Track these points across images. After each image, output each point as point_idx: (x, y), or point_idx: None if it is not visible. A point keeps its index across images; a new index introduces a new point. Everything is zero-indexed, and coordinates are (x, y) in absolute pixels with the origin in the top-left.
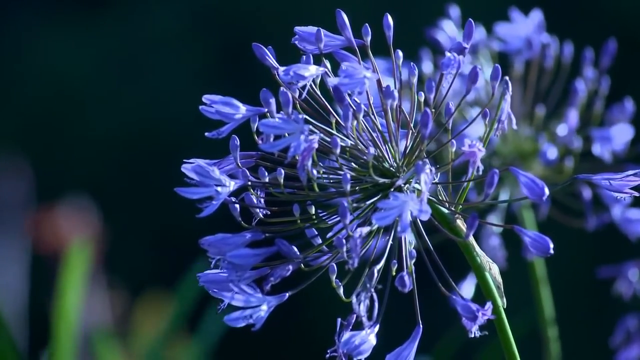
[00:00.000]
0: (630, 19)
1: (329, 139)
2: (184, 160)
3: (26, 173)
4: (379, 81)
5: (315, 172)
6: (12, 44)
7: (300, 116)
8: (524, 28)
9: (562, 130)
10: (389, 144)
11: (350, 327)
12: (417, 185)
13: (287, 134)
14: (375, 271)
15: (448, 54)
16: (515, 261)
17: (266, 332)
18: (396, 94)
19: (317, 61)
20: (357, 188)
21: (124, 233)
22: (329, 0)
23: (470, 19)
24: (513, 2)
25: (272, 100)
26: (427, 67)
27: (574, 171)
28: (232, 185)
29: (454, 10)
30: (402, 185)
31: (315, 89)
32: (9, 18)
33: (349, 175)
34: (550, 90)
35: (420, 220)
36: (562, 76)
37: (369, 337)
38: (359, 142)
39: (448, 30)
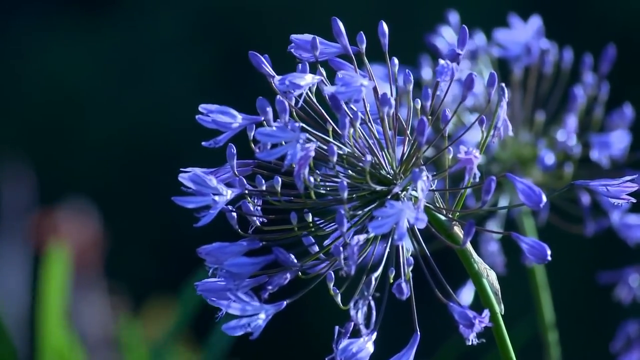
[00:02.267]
0: (630, 24)
1: (325, 147)
2: (181, 169)
3: (28, 178)
4: (375, 89)
5: (312, 179)
6: (13, 48)
7: (296, 124)
8: (523, 34)
9: (561, 136)
10: (386, 151)
11: (348, 335)
12: (414, 193)
13: (283, 142)
14: (373, 279)
15: (442, 62)
16: (515, 267)
17: (265, 338)
18: (392, 101)
19: (314, 68)
20: (354, 195)
21: (125, 238)
22: (329, 6)
23: (464, 25)
24: (512, 8)
25: (269, 109)
26: (427, 73)
27: (574, 177)
28: (229, 193)
29: (454, 17)
30: (399, 192)
31: (312, 97)
32: (10, 23)
33: (345, 183)
34: (550, 96)
35: (417, 227)
36: (562, 82)
37: (367, 345)
38: (355, 149)
39: (447, 37)
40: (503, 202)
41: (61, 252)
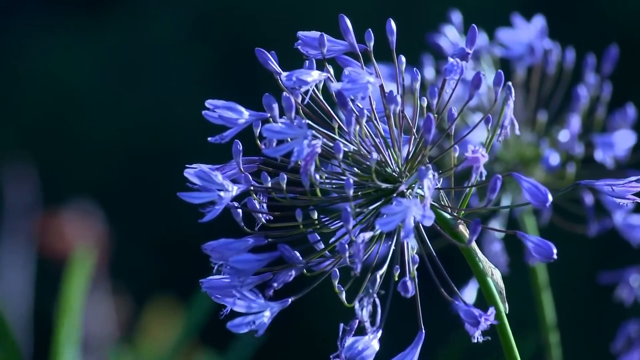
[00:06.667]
0: (633, 24)
1: (331, 144)
2: (187, 165)
3: (31, 179)
4: (381, 86)
5: (317, 177)
6: (14, 49)
7: (303, 121)
8: (526, 34)
9: (564, 136)
10: (392, 149)
11: (353, 333)
12: (419, 191)
13: (290, 139)
14: (378, 276)
15: (451, 60)
16: (516, 267)
17: (266, 335)
18: (399, 99)
19: (320, 66)
20: (359, 193)
21: (128, 238)
22: (329, 6)
23: (473, 24)
24: (515, 8)
25: (275, 105)
26: (429, 72)
27: (576, 177)
28: (234, 190)
29: (456, 16)
30: (405, 190)
31: (318, 94)
32: (10, 24)
33: (351, 181)
34: (552, 96)
35: (422, 225)
36: (564, 82)
37: (372, 343)
38: (361, 147)
39: (450, 36)
40: (505, 201)
41: (86, 258)
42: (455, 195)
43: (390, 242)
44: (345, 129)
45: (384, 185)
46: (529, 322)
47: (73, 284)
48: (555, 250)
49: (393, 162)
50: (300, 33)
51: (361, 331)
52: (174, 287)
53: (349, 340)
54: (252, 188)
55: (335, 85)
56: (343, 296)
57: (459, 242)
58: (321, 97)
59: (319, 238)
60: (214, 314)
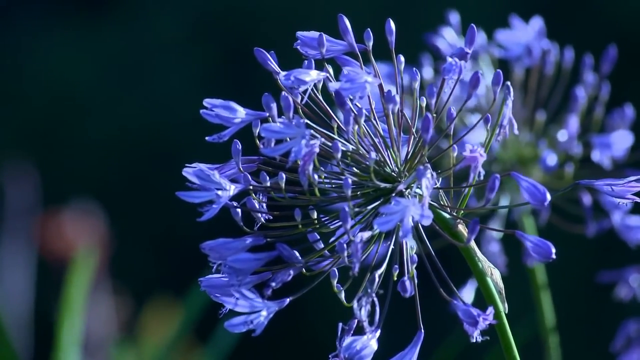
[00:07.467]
0: (631, 25)
1: (330, 144)
2: (186, 164)
3: (31, 179)
4: (380, 86)
5: (316, 176)
6: (14, 50)
7: (301, 121)
8: (524, 35)
9: (562, 136)
10: (391, 149)
11: (352, 332)
12: (418, 190)
13: (288, 139)
14: (377, 276)
15: (450, 59)
16: (515, 267)
17: (265, 335)
18: (398, 98)
19: (319, 66)
20: (358, 193)
21: (128, 238)
22: (329, 6)
23: (472, 24)
24: (513, 9)
25: (274, 105)
26: (427, 73)
27: (574, 177)
28: (232, 189)
29: (454, 17)
30: (404, 190)
31: (317, 94)
32: (10, 24)
33: (350, 180)
34: (551, 96)
35: (421, 225)
36: (563, 82)
37: (370, 342)
38: (360, 146)
39: (448, 37)
40: (503, 202)
41: (88, 259)
42: (454, 195)
43: (389, 242)
44: (344, 129)
45: (382, 185)
46: (527, 320)
47: (75, 284)
48: (554, 250)
49: (392, 161)
50: (300, 33)
51: (360, 331)
52: (173, 287)
53: (348, 339)
54: (251, 187)
55: (333, 85)
56: (342, 296)
57: (458, 242)
58: (320, 97)
59: (318, 237)
60: (209, 310)
